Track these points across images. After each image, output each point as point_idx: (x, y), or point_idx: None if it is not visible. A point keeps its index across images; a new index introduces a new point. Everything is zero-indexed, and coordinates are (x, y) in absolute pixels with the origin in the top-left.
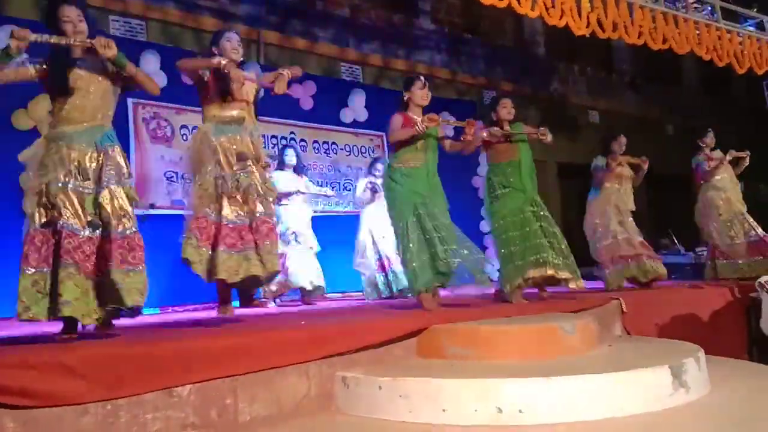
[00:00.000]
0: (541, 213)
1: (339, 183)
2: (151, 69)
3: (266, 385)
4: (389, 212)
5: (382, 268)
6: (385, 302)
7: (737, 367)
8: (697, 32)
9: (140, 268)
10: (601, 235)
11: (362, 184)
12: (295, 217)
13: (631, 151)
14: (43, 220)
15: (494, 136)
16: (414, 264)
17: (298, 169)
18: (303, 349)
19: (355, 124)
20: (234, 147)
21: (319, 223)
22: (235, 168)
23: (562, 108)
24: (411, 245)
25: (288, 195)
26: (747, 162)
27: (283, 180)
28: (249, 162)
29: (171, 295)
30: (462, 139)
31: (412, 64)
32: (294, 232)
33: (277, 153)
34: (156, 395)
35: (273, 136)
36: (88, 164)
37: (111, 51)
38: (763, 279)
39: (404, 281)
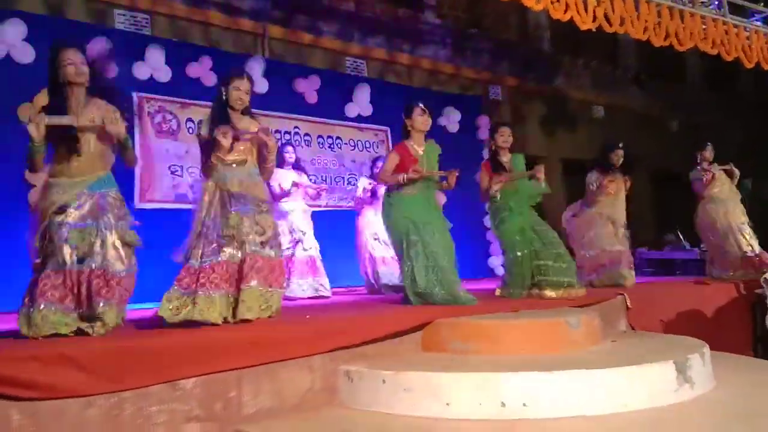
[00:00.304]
0: (542, 230)
1: (343, 178)
2: (156, 63)
3: (270, 378)
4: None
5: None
6: (388, 297)
7: (742, 362)
8: (704, 27)
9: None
10: (588, 247)
11: (362, 183)
12: (299, 217)
13: (635, 146)
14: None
15: (498, 183)
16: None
17: (297, 167)
18: (307, 343)
19: (359, 118)
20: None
21: (323, 218)
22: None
23: (567, 103)
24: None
25: (287, 193)
26: (737, 173)
27: (284, 178)
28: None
29: None
30: (443, 187)
31: (417, 58)
32: (298, 232)
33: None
34: (160, 388)
35: (277, 131)
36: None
37: (119, 130)
38: None
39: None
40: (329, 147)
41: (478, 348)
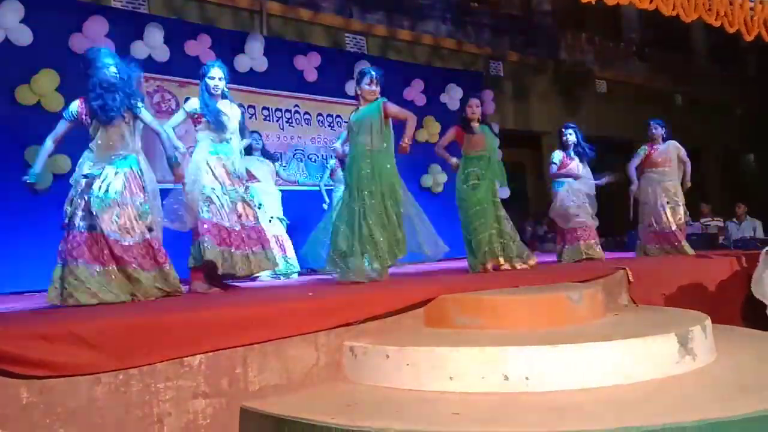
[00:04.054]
0: (498, 201)
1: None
2: (155, 42)
3: (276, 354)
4: None
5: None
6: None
7: (743, 334)
8: None
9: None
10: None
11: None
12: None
13: (639, 121)
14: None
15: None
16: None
17: (266, 154)
18: (312, 320)
19: None
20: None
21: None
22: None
23: (569, 78)
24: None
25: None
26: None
27: (251, 164)
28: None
29: (181, 269)
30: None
31: (418, 34)
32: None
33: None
34: (167, 365)
35: (277, 109)
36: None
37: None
38: None
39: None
40: (329, 125)
41: (481, 323)
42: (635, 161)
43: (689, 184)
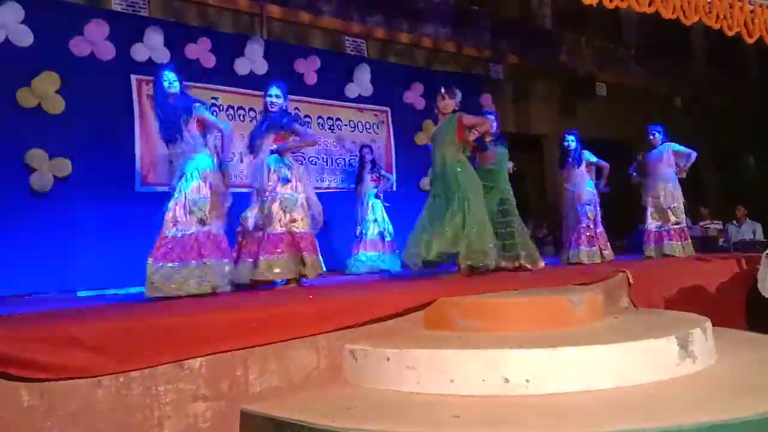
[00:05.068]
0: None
1: (344, 159)
2: (155, 45)
3: (276, 357)
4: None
5: None
6: (391, 276)
7: (743, 337)
8: (709, 1)
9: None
10: None
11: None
12: None
13: (638, 124)
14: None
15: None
16: None
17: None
18: (312, 323)
19: (360, 99)
20: None
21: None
22: None
23: (569, 81)
24: None
25: None
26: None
27: None
28: None
29: None
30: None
31: (417, 37)
32: None
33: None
34: (168, 368)
35: None
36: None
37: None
38: None
39: None
40: (329, 128)
41: (482, 325)
42: (634, 165)
43: (686, 170)
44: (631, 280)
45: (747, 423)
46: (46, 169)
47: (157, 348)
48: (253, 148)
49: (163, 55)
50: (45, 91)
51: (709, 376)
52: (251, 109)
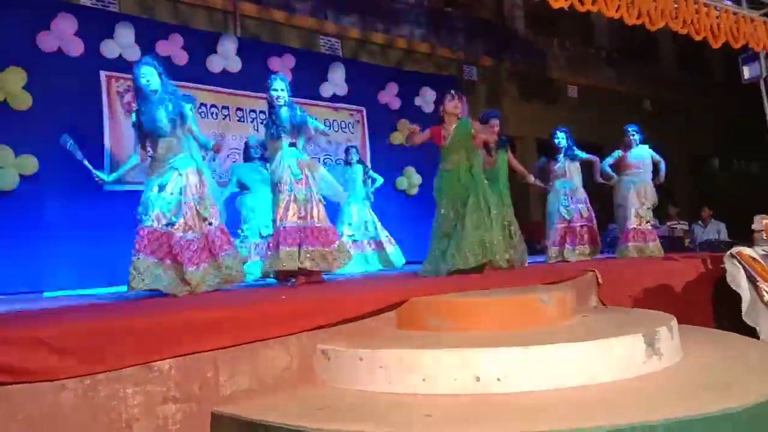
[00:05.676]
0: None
1: (318, 158)
2: (126, 41)
3: (248, 358)
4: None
5: None
6: (367, 276)
7: (709, 335)
8: (675, 6)
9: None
10: None
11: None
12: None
13: (609, 126)
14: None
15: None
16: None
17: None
18: (284, 323)
19: (334, 98)
20: None
21: None
22: None
23: (541, 83)
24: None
25: None
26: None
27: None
28: None
29: None
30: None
31: (391, 38)
32: None
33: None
34: (136, 369)
35: (252, 110)
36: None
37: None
38: (735, 250)
39: None
40: None
41: (453, 325)
42: (609, 161)
43: (662, 180)
44: (600, 280)
45: (711, 418)
46: (12, 167)
47: (124, 349)
48: (265, 150)
49: (133, 52)
50: (11, 87)
51: (675, 373)
52: (224, 107)
